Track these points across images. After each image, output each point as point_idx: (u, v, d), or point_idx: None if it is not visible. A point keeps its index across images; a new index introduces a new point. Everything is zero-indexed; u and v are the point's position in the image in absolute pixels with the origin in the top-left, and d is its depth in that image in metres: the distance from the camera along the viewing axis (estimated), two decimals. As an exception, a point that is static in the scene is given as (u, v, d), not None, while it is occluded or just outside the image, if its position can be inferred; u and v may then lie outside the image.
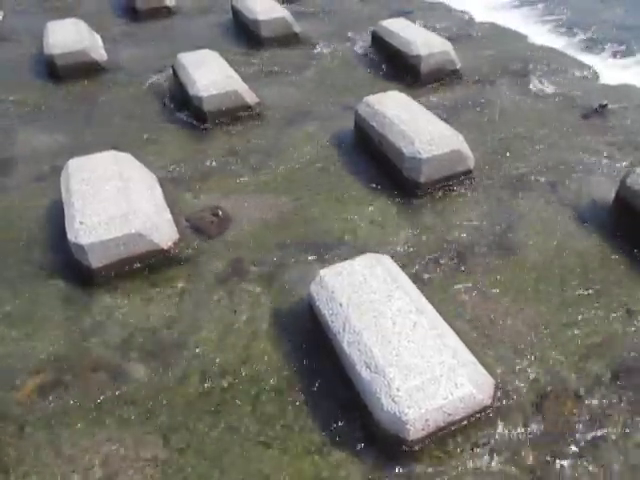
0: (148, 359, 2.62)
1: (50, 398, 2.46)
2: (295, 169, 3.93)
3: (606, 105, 4.47)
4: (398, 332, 2.29)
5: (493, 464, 2.18)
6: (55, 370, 2.58)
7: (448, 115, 4.38)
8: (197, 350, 2.64)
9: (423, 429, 2.13)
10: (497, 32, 6.18)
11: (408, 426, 2.09)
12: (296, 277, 3.01)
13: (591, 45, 6.05)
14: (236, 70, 4.73)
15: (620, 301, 2.85)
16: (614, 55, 5.81)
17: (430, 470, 2.14)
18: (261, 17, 5.87)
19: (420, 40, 5.03)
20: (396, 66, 5.17)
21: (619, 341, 2.65)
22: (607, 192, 3.47)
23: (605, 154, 3.95)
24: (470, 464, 2.17)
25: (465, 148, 3.60)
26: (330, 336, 2.45)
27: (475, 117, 4.48)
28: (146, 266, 3.07)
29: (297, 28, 5.99)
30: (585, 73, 5.19)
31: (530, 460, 2.19)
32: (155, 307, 2.88)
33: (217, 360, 2.59)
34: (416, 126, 3.61)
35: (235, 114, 4.47)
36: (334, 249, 3.19)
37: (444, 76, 5.00)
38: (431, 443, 2.18)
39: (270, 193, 3.69)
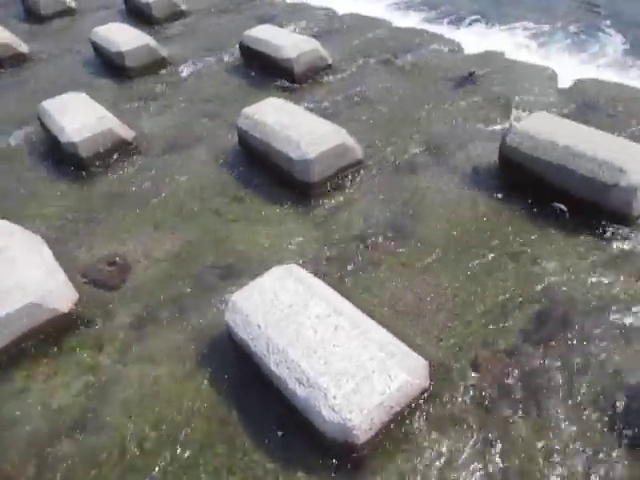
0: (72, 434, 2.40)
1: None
2: (186, 198, 3.77)
3: (474, 72, 4.68)
4: (321, 340, 2.24)
5: (448, 435, 2.20)
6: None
7: (329, 110, 4.41)
8: (120, 414, 2.46)
9: (370, 429, 2.10)
10: (362, 22, 6.31)
11: (355, 431, 2.05)
12: (210, 308, 2.89)
13: (451, 20, 6.34)
14: (107, 107, 4.49)
15: (524, 254, 2.96)
16: (473, 26, 6.12)
17: (387, 463, 2.13)
18: (124, 48, 5.64)
19: (288, 43, 5.03)
20: (270, 72, 5.13)
21: (532, 293, 2.75)
22: (492, 154, 3.61)
23: (482, 118, 4.13)
24: (426, 443, 2.17)
25: (350, 140, 3.62)
26: (256, 360, 2.36)
27: (355, 107, 4.53)
28: (50, 335, 2.82)
29: (164, 52, 5.81)
30: (450, 46, 5.42)
31: (479, 419, 2.23)
32: (65, 379, 2.64)
33: (147, 416, 2.43)
34: (298, 128, 3.58)
35: (114, 153, 4.25)
36: (243, 269, 3.10)
37: (318, 73, 5.03)
38: (382, 438, 2.16)
39: (166, 229, 3.51)
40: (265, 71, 5.19)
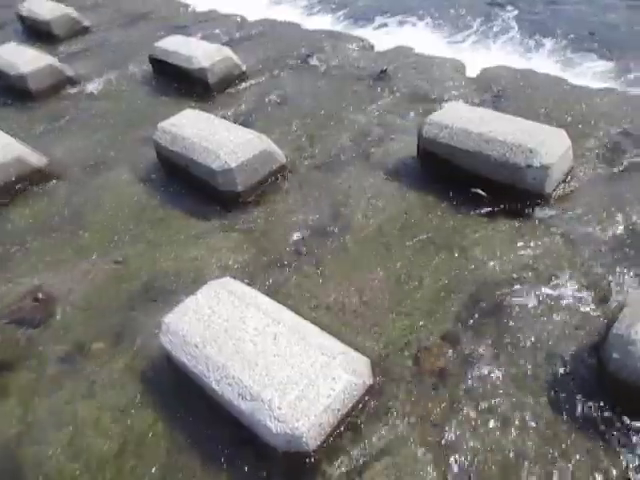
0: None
1: None
2: (110, 222, 3.61)
3: (386, 69, 4.77)
4: (262, 351, 2.21)
5: (396, 429, 2.22)
6: None
7: (248, 118, 4.38)
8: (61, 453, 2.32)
9: (320, 434, 2.08)
10: (274, 27, 6.30)
11: (304, 439, 2.02)
12: (145, 333, 2.77)
13: (362, 20, 6.47)
14: (12, 134, 4.24)
15: (452, 241, 3.05)
16: (383, 24, 6.27)
17: (340, 465, 2.12)
18: (25, 69, 5.34)
19: (200, 53, 4.94)
20: (183, 84, 5.02)
21: (463, 278, 2.83)
22: (411, 147, 3.69)
23: (399, 112, 4.22)
24: (375, 440, 2.18)
25: (272, 146, 3.61)
26: (198, 381, 2.29)
27: (274, 112, 4.52)
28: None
29: (69, 71, 5.56)
30: (362, 45, 5.51)
31: (424, 410, 2.26)
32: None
33: (90, 449, 2.30)
34: (217, 139, 3.52)
35: (25, 182, 4.01)
36: (176, 290, 3.00)
37: (233, 81, 4.97)
38: (333, 442, 2.15)
39: (91, 256, 3.35)
40: (178, 83, 5.07)
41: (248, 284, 2.76)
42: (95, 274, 3.20)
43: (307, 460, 2.09)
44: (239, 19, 6.68)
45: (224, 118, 4.10)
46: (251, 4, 7.28)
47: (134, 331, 2.81)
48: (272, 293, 2.79)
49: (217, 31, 6.31)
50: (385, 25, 6.20)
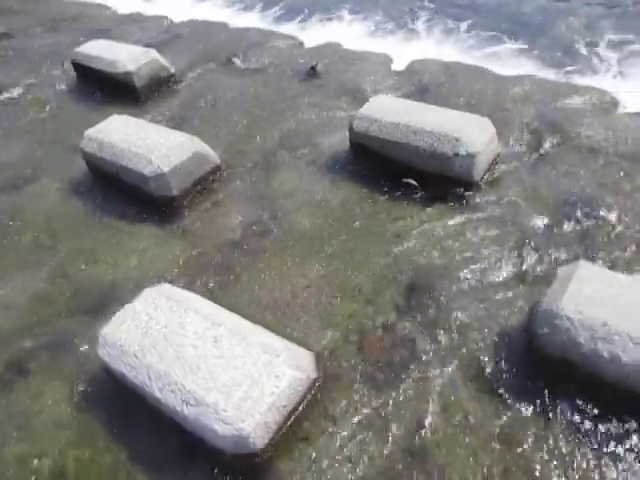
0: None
1: None
2: (42, 237, 3.47)
3: (316, 65, 4.80)
4: (203, 355, 2.19)
5: (344, 420, 2.25)
6: None
7: (179, 120, 4.31)
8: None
9: (267, 433, 2.09)
10: (201, 27, 6.21)
11: (251, 439, 2.02)
12: (83, 347, 2.69)
13: (289, 17, 6.47)
14: None
15: (388, 231, 3.12)
16: (310, 21, 6.30)
17: (290, 461, 2.14)
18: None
19: (124, 56, 4.81)
20: (109, 89, 4.88)
21: (399, 267, 2.90)
22: (344, 141, 3.74)
23: (330, 108, 4.27)
24: (323, 434, 2.20)
25: (205, 148, 3.57)
26: (140, 391, 2.24)
27: (205, 113, 4.46)
28: None
29: (-15, 81, 5.31)
30: (291, 43, 5.52)
31: (371, 399, 2.30)
32: None
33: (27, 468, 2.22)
34: (148, 143, 3.45)
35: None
36: (114, 300, 2.91)
37: (162, 84, 4.88)
38: (282, 438, 2.17)
39: (24, 271, 3.21)
40: (104, 88, 4.92)
41: (188, 288, 2.73)
42: (30, 289, 3.08)
43: (256, 460, 2.09)
44: (164, 20, 6.56)
45: (154, 122, 4.03)
46: (176, 4, 7.15)
47: (71, 346, 2.72)
48: (213, 296, 2.78)
49: (142, 33, 6.17)
50: (313, 21, 6.24)
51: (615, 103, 4.01)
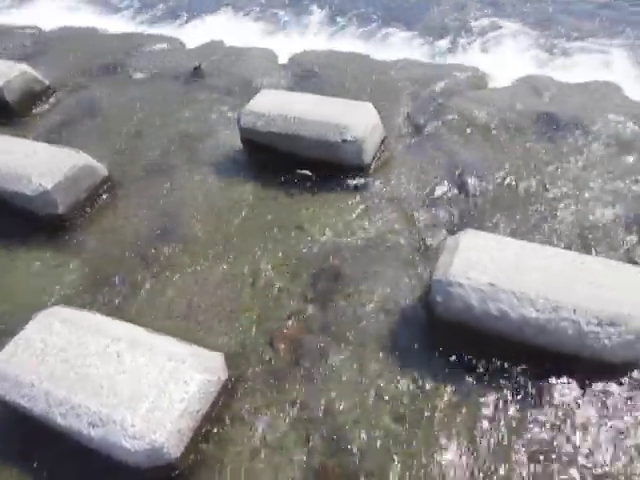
0: None
1: None
2: None
3: (200, 65, 4.73)
4: (106, 373, 2.11)
5: (259, 416, 2.27)
6: None
7: (60, 134, 4.09)
8: None
9: (182, 440, 2.06)
10: (74, 34, 5.91)
11: (165, 449, 1.98)
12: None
13: (169, 19, 6.32)
14: None
15: (289, 223, 3.15)
16: (191, 21, 6.19)
17: (211, 465, 2.12)
18: None
19: (-10, 71, 4.49)
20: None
21: (305, 257, 2.94)
22: (235, 139, 3.72)
23: (218, 107, 4.23)
24: (241, 432, 2.20)
25: (90, 160, 3.42)
26: (42, 420, 2.13)
27: (88, 124, 4.26)
28: None
29: None
30: (172, 44, 5.40)
31: (285, 393, 2.34)
32: None
33: None
34: (28, 162, 3.26)
35: None
36: (7, 329, 2.73)
37: (37, 98, 4.60)
38: (199, 443, 2.15)
39: None
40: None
41: (87, 307, 2.62)
42: None
43: (174, 469, 2.05)
44: (35, 30, 6.16)
45: (32, 138, 3.80)
46: (47, 13, 6.74)
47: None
48: (114, 311, 2.68)
49: (11, 45, 5.77)
50: (193, 21, 6.12)
51: (485, 79, 4.29)
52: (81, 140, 3.95)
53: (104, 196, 3.49)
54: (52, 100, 4.63)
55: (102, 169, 3.52)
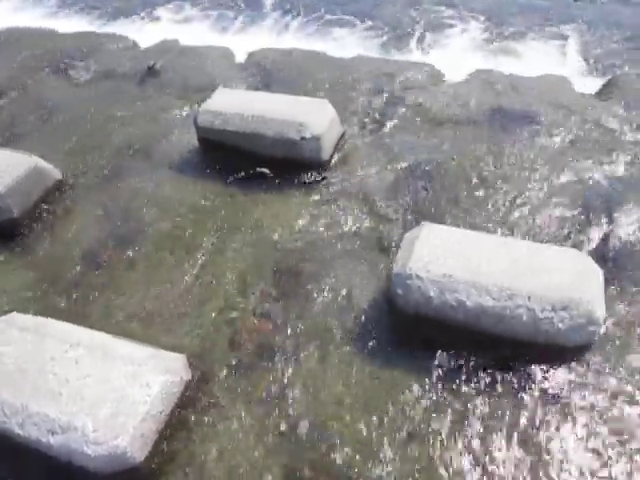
0: None
1: None
2: None
3: (154, 65, 4.66)
4: (65, 379, 2.07)
5: (225, 415, 2.25)
6: None
7: (9, 138, 3.97)
8: None
9: (146, 444, 2.03)
10: (21, 35, 5.67)
11: (128, 454, 1.96)
12: None
13: (118, 18, 6.20)
14: None
15: (249, 222, 3.14)
16: (145, 20, 6.09)
17: (176, 468, 2.10)
18: None
19: None
20: None
21: (265, 255, 2.94)
22: (192, 139, 3.69)
23: (174, 106, 4.18)
24: (207, 431, 2.19)
25: (42, 163, 3.34)
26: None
27: (38, 127, 4.12)
28: None
29: None
30: (125, 44, 5.27)
31: (253, 388, 2.33)
32: None
33: None
34: (-27, 166, 3.15)
35: None
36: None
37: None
38: (165, 445, 2.12)
39: None
40: None
41: (43, 314, 2.55)
42: None
43: (139, 473, 2.03)
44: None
45: (-20, 142, 3.68)
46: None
47: None
48: (72, 316, 2.62)
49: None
50: (147, 20, 6.02)
51: (440, 74, 4.37)
52: (32, 143, 3.84)
53: (59, 199, 3.41)
54: (0, 102, 4.48)
55: (56, 172, 3.44)
